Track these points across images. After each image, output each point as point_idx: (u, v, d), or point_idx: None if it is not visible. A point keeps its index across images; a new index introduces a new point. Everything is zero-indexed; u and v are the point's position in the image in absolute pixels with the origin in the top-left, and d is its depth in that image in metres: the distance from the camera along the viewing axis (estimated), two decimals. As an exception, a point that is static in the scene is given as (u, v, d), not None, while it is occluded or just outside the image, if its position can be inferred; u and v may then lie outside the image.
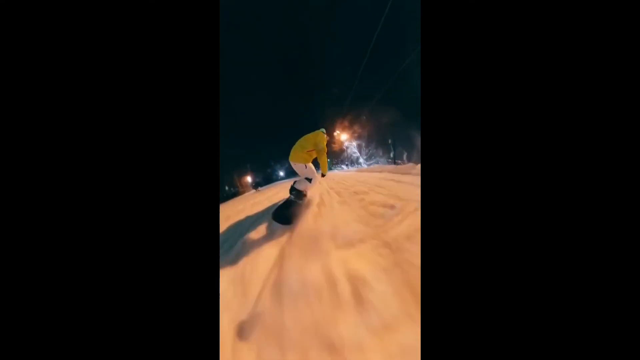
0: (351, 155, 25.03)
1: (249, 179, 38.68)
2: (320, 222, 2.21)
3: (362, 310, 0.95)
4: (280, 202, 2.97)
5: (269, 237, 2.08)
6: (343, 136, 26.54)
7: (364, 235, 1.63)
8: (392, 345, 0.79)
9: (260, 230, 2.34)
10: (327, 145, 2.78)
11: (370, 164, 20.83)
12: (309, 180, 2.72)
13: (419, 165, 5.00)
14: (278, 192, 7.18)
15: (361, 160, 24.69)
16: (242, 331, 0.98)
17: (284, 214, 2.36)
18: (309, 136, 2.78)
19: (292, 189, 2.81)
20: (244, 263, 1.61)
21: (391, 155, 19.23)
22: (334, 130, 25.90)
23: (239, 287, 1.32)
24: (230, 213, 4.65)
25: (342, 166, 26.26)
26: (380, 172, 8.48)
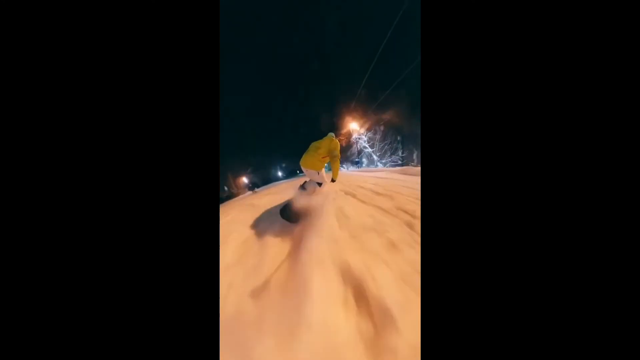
0: (361, 150, 21.27)
1: (244, 179, 37.42)
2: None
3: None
4: (285, 202, 2.84)
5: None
6: (353, 124, 21.49)
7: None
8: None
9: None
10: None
11: (386, 163, 17.93)
12: (319, 184, 2.74)
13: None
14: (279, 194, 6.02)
15: (374, 156, 19.98)
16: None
17: (291, 212, 2.32)
18: (323, 142, 2.73)
19: (302, 188, 2.82)
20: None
21: (399, 154, 17.81)
22: (341, 120, 21.85)
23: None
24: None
25: (344, 166, 22.66)
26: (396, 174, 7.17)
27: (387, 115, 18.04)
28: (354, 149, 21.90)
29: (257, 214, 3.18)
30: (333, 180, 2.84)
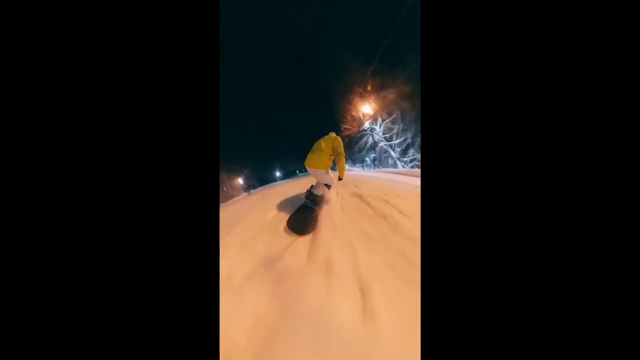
0: (376, 143, 15.00)
1: (240, 180, 34.49)
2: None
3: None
4: (297, 210, 2.56)
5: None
6: (365, 107, 14.61)
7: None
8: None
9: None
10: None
11: (410, 162, 12.68)
12: (328, 186, 2.67)
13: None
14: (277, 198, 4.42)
15: (393, 153, 13.86)
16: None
17: (300, 223, 2.14)
18: (326, 141, 2.71)
19: (309, 195, 2.69)
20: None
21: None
22: (350, 103, 15.05)
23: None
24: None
25: (355, 165, 17.44)
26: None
27: (408, 102, 12.35)
28: (366, 142, 16.09)
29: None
30: (340, 179, 2.79)
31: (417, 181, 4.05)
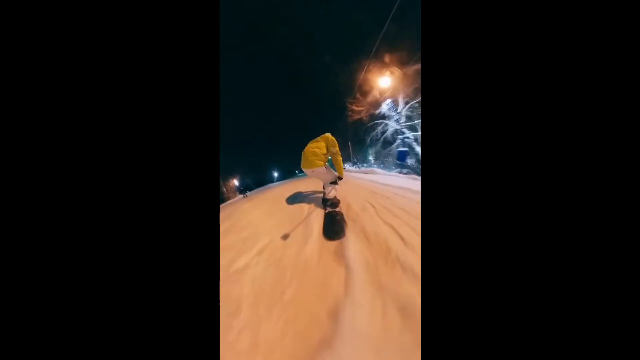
0: (394, 137, 10.39)
1: (235, 182, 31.89)
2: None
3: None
4: (325, 221, 2.32)
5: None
6: (384, 81, 10.25)
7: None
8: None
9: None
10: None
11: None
12: (334, 183, 2.70)
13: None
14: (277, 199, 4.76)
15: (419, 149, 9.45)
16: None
17: (335, 230, 2.07)
18: (319, 141, 2.76)
19: (325, 202, 2.68)
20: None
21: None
22: (362, 69, 10.87)
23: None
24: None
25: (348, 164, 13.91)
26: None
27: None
28: (381, 132, 11.20)
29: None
30: (340, 178, 2.81)
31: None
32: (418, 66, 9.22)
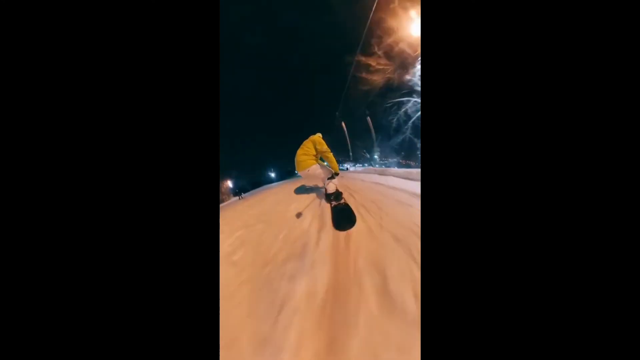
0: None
1: (229, 183, 30.59)
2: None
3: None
4: (333, 216, 2.33)
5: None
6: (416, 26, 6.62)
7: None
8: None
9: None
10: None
11: None
12: (332, 178, 2.68)
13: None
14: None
15: None
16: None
17: (345, 220, 2.07)
18: (306, 144, 2.79)
19: (328, 197, 2.67)
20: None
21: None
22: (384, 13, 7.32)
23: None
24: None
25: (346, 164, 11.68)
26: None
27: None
28: (404, 117, 7.79)
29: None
30: (337, 174, 2.79)
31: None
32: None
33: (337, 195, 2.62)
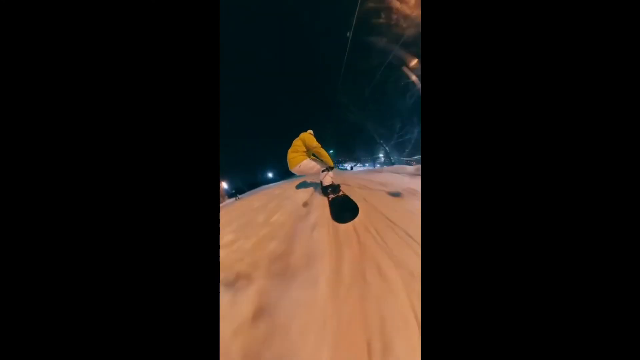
0: None
1: (224, 184, 29.49)
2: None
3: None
4: (331, 209, 2.26)
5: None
6: None
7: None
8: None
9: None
10: None
11: None
12: (327, 170, 2.65)
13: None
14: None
15: None
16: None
17: (345, 212, 2.01)
18: (296, 142, 2.87)
19: (325, 190, 2.63)
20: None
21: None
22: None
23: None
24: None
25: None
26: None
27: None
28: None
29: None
30: (332, 167, 2.75)
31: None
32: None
33: (334, 187, 2.53)
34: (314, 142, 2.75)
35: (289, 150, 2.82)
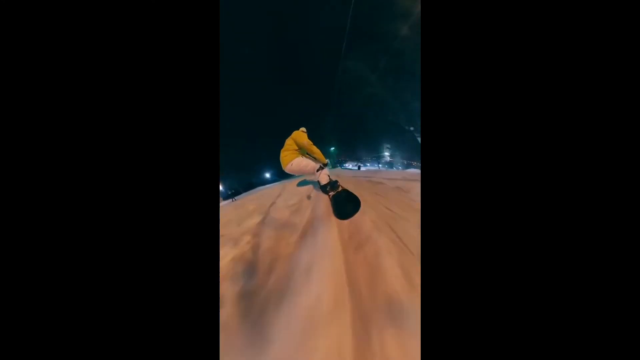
0: None
1: (220, 185, 29.16)
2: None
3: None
4: (333, 206, 2.25)
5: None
6: None
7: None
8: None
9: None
10: None
11: None
12: (321, 169, 2.59)
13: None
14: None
15: None
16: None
17: (348, 206, 2.02)
18: (288, 141, 2.87)
19: (324, 189, 2.57)
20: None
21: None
22: None
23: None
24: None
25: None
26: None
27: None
28: None
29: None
30: (325, 165, 2.75)
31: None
32: None
33: (333, 184, 2.51)
34: (304, 140, 2.72)
35: (281, 151, 2.80)
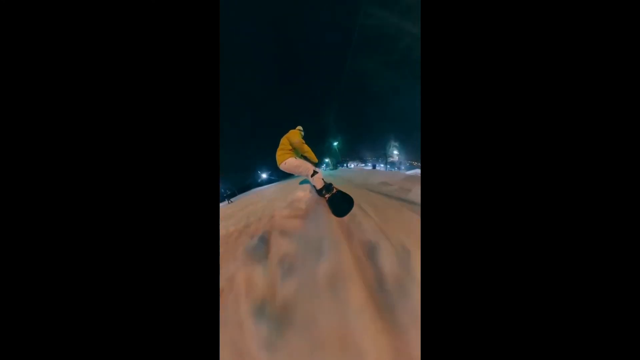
0: None
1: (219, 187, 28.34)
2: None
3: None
4: (330, 207, 2.32)
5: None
6: None
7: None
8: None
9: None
10: None
11: None
12: (315, 173, 2.59)
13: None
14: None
15: None
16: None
17: (343, 205, 2.09)
18: (282, 140, 2.86)
19: (320, 192, 2.55)
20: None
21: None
22: None
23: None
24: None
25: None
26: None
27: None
28: None
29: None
30: (315, 164, 2.84)
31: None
32: None
33: (328, 187, 2.51)
34: (296, 139, 2.76)
35: (279, 151, 2.83)
